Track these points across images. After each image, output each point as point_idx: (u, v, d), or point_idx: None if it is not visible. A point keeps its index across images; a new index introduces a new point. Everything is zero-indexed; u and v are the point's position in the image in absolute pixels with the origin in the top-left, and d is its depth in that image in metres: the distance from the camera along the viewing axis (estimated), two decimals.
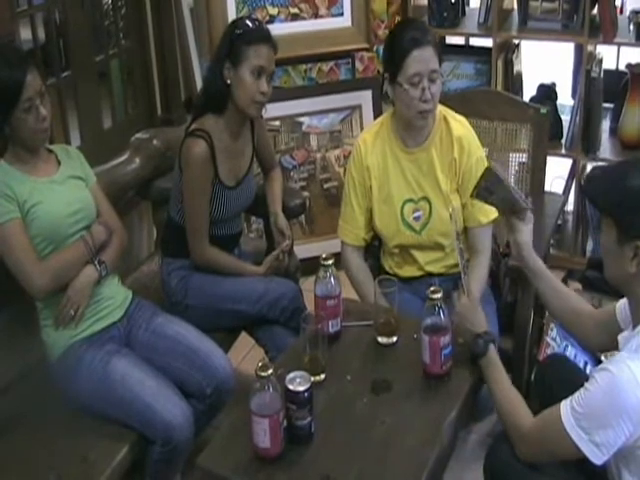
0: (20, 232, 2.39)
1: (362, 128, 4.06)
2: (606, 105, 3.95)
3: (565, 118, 4.03)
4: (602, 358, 3.04)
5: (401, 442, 2.06)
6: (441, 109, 2.79)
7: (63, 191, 2.51)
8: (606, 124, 4.04)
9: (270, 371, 1.97)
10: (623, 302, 2.17)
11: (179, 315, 2.77)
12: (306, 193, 4.00)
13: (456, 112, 2.84)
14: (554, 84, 4.02)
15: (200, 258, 2.86)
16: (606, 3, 3.65)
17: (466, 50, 4.27)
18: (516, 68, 4.05)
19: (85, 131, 4.31)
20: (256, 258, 3.06)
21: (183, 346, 2.60)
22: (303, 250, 3.66)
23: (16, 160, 2.46)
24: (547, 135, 3.33)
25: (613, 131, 3.98)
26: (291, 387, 2.02)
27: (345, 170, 4.05)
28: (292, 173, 4.06)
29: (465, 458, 2.85)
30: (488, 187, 2.35)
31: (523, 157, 3.31)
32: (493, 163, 2.41)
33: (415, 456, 2.02)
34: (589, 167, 4.05)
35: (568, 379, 2.35)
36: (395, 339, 2.42)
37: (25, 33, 3.98)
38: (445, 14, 3.96)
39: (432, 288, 2.27)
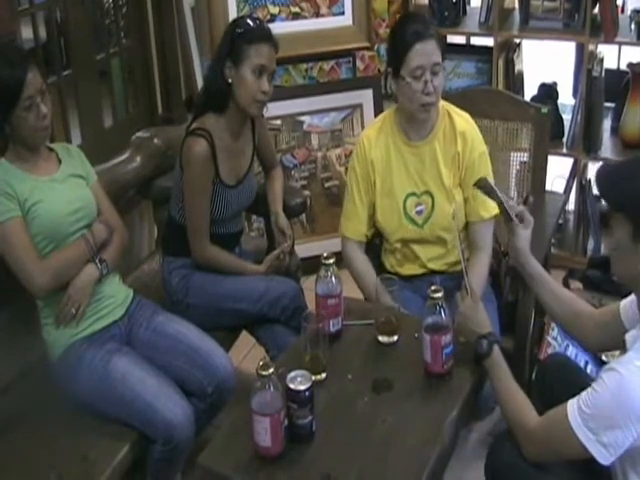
0: (21, 231, 2.39)
1: (363, 127, 4.06)
2: (607, 104, 3.95)
3: (566, 117, 4.03)
4: (603, 358, 3.04)
5: (402, 441, 2.06)
6: (444, 105, 2.81)
7: (64, 189, 2.51)
8: (607, 123, 4.04)
9: (271, 370, 1.97)
10: (627, 302, 2.16)
11: (180, 314, 2.77)
12: (307, 192, 4.00)
13: None
14: (555, 83, 4.01)
15: (201, 257, 2.86)
16: (607, 2, 3.65)
17: (467, 49, 4.27)
18: (517, 67, 4.05)
19: (86, 130, 4.32)
20: (257, 257, 3.06)
21: (184, 345, 2.60)
22: (304, 249, 3.66)
23: (17, 159, 2.46)
24: (548, 134, 3.33)
25: (614, 130, 3.98)
26: (292, 386, 2.02)
27: (346, 169, 4.09)
28: (293, 172, 4.06)
29: (466, 457, 2.85)
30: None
31: (524, 156, 3.31)
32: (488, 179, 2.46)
33: (416, 455, 2.02)
34: (590, 166, 4.05)
35: (569, 379, 2.36)
36: (396, 338, 2.42)
37: (26, 32, 3.99)
38: (446, 13, 3.96)
39: (433, 287, 2.26)
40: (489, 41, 3.99)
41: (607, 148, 3.93)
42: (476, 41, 4.38)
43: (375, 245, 2.98)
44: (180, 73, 4.80)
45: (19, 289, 2.43)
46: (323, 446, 2.06)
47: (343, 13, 4.00)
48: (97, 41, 4.51)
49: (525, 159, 3.31)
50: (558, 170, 4.03)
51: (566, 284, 3.63)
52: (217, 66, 2.76)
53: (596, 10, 3.75)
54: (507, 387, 2.15)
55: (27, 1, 4.02)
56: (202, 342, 2.62)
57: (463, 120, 2.81)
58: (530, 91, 4.09)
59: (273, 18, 3.91)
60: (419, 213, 2.80)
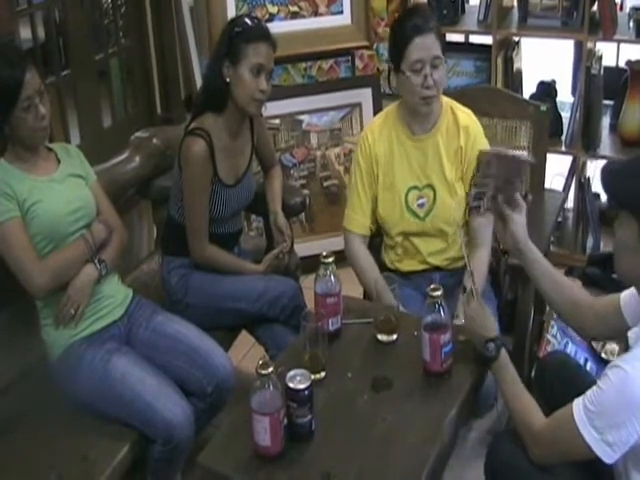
0: (20, 231, 2.39)
1: (362, 126, 4.06)
2: (606, 102, 3.95)
3: (565, 115, 4.03)
4: (603, 356, 3.05)
5: (402, 440, 2.06)
6: (448, 100, 2.83)
7: (63, 189, 2.51)
8: (606, 121, 4.04)
9: (270, 369, 1.97)
10: (628, 295, 2.15)
11: (179, 314, 2.77)
12: (306, 191, 4.00)
13: None
14: (554, 81, 4.01)
15: (200, 256, 2.86)
16: (606, 0, 3.65)
17: (466, 47, 4.27)
18: (516, 65, 4.05)
19: (85, 130, 4.32)
20: (256, 256, 3.06)
21: (183, 345, 2.60)
22: (303, 248, 3.66)
23: (16, 159, 2.46)
24: (547, 132, 3.34)
25: (613, 128, 3.98)
26: (291, 385, 2.02)
27: (345, 168, 4.09)
28: (292, 171, 4.06)
29: (465, 456, 2.85)
30: (485, 172, 2.33)
31: (523, 154, 3.31)
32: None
33: (416, 454, 2.02)
34: (589, 164, 4.05)
35: (568, 376, 2.36)
36: (395, 337, 2.42)
37: (25, 32, 3.99)
38: (445, 11, 3.96)
39: (432, 286, 2.26)
40: (488, 39, 3.99)
41: (606, 146, 3.93)
42: (475, 39, 4.37)
43: (375, 243, 2.98)
44: (179, 73, 4.80)
45: (19, 290, 2.43)
46: (323, 445, 2.06)
47: (342, 12, 4.00)
48: (96, 41, 4.51)
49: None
50: (557, 168, 4.03)
51: None
52: (215, 65, 2.76)
53: (595, 8, 3.75)
54: (514, 390, 2.14)
55: (26, 1, 4.02)
56: (201, 342, 2.62)
57: (466, 115, 2.82)
58: (529, 89, 4.09)
59: (272, 17, 3.91)
60: (421, 206, 2.80)
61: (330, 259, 2.41)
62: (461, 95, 2.99)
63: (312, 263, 2.65)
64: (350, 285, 2.78)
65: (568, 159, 4.05)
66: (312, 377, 2.06)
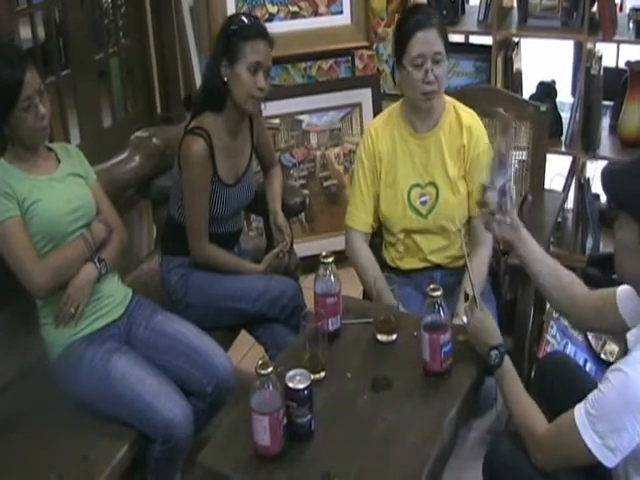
0: (20, 230, 2.39)
1: (362, 126, 4.07)
2: (606, 103, 3.94)
3: (565, 115, 4.03)
4: (602, 356, 3.05)
5: (401, 440, 2.06)
6: (451, 100, 2.84)
7: (63, 189, 2.51)
8: (606, 121, 4.04)
9: (270, 369, 1.97)
10: (625, 291, 2.14)
11: (179, 313, 2.77)
12: (306, 191, 4.00)
13: None
14: (554, 82, 4.01)
15: (200, 256, 2.86)
16: (606, 1, 3.65)
17: (466, 48, 4.27)
18: (516, 66, 4.05)
19: (85, 129, 4.31)
20: (256, 256, 3.06)
21: (183, 344, 2.60)
22: (303, 248, 3.66)
23: (16, 159, 2.46)
24: (547, 133, 3.34)
25: (613, 128, 3.98)
26: (291, 385, 2.02)
27: (345, 168, 4.09)
28: (292, 171, 4.07)
29: (465, 456, 2.84)
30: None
31: (523, 155, 3.32)
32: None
33: (416, 453, 2.02)
34: (589, 165, 4.05)
35: (568, 377, 2.36)
36: (395, 337, 2.42)
37: (25, 32, 3.98)
38: (445, 12, 3.96)
39: (432, 286, 2.27)
40: (488, 40, 3.99)
41: (606, 146, 3.93)
42: (475, 40, 4.37)
43: (375, 243, 2.98)
44: (179, 73, 4.79)
45: (19, 289, 2.43)
46: (322, 445, 2.06)
47: (342, 12, 4.00)
48: (96, 41, 4.50)
49: (524, 157, 3.31)
50: (557, 168, 4.03)
51: None
52: (213, 65, 2.77)
53: (594, 8, 3.75)
54: (517, 396, 2.13)
55: (25, 1, 4.02)
56: (201, 341, 2.62)
57: (469, 115, 2.84)
58: (529, 89, 4.08)
59: (272, 17, 3.91)
60: (423, 203, 2.81)
61: (330, 259, 2.41)
62: (461, 95, 2.99)
63: (312, 263, 2.65)
64: (350, 285, 2.78)
65: (568, 159, 4.05)
66: (312, 377, 2.06)
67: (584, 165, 4.02)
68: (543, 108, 3.26)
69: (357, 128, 4.09)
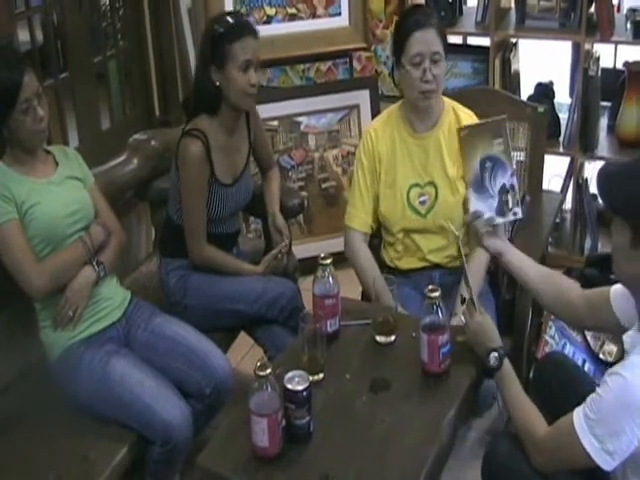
0: (18, 233, 2.39)
1: (360, 128, 4.07)
2: (604, 103, 3.95)
3: (563, 116, 4.03)
4: (601, 356, 3.05)
5: (400, 441, 2.06)
6: (450, 101, 2.86)
7: (61, 192, 2.52)
8: (604, 122, 4.04)
9: (269, 370, 1.98)
10: (619, 290, 2.15)
11: (178, 315, 2.77)
12: (304, 193, 4.00)
13: None
14: (552, 82, 4.02)
15: (198, 257, 2.86)
16: (603, 1, 3.66)
17: (464, 49, 4.27)
18: (514, 67, 4.05)
19: (83, 132, 4.31)
20: (254, 258, 3.06)
21: (182, 346, 2.60)
22: (301, 250, 3.66)
23: (14, 161, 2.46)
24: (545, 133, 3.34)
25: (611, 129, 3.98)
26: (290, 386, 2.02)
27: (343, 170, 4.10)
28: (290, 173, 4.07)
29: (464, 457, 2.85)
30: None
31: (521, 155, 3.32)
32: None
33: (414, 454, 2.02)
34: (587, 165, 4.05)
35: (566, 377, 2.36)
36: (393, 338, 2.42)
37: (23, 35, 3.98)
38: (443, 13, 3.96)
39: (430, 287, 2.27)
40: (485, 41, 3.99)
41: (603, 147, 3.93)
42: (472, 41, 4.38)
43: (374, 244, 2.99)
44: (177, 75, 4.79)
45: (17, 292, 2.43)
46: (321, 446, 2.06)
47: (340, 14, 4.00)
48: (94, 43, 4.49)
49: (522, 158, 3.32)
50: (555, 169, 4.03)
51: None
52: (202, 71, 2.78)
53: (592, 9, 3.75)
54: (516, 398, 2.14)
55: (24, 4, 4.01)
56: (200, 343, 2.63)
57: (468, 116, 2.85)
58: (527, 90, 4.09)
59: (270, 19, 3.91)
60: (422, 203, 2.82)
61: (328, 261, 2.41)
62: (459, 97, 2.99)
63: (310, 265, 2.65)
64: (348, 286, 2.78)
65: (566, 160, 4.06)
66: (310, 378, 2.06)
67: (582, 166, 4.03)
68: (541, 109, 3.26)
69: (355, 130, 4.10)
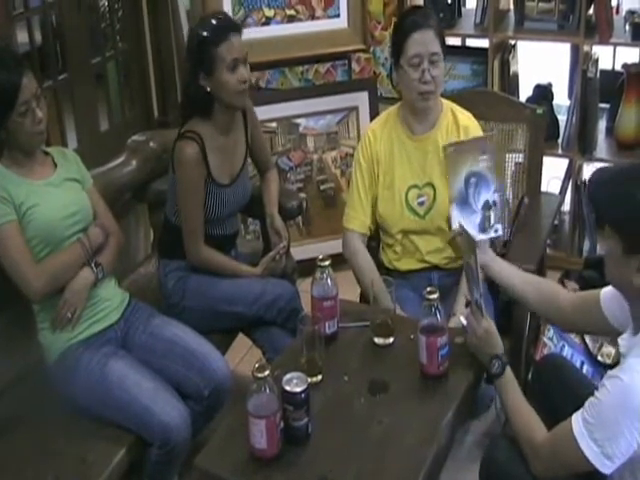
0: (16, 234, 2.39)
1: (359, 129, 4.07)
2: (602, 105, 3.96)
3: (561, 118, 4.03)
4: (599, 359, 3.05)
5: (398, 442, 2.06)
6: (448, 103, 2.86)
7: (59, 193, 2.52)
8: (602, 124, 4.05)
9: (267, 372, 1.98)
10: (609, 292, 2.15)
11: (176, 317, 2.77)
12: (303, 194, 4.00)
13: None
14: (550, 84, 4.02)
15: (196, 258, 2.86)
16: (602, 3, 3.66)
17: (462, 51, 4.27)
18: (512, 68, 4.05)
19: (82, 133, 4.32)
20: (253, 259, 3.06)
21: (180, 348, 2.60)
22: (300, 251, 3.66)
23: (12, 163, 2.46)
24: (543, 135, 3.34)
25: (609, 131, 3.99)
26: (288, 388, 2.02)
27: (342, 172, 4.10)
28: (289, 174, 4.07)
29: (461, 459, 2.84)
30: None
31: (519, 157, 3.32)
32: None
33: (413, 456, 2.02)
34: (586, 167, 4.06)
35: (564, 379, 2.36)
36: (392, 340, 2.42)
37: (22, 36, 3.99)
38: (441, 15, 3.96)
39: (429, 289, 2.27)
40: (484, 42, 3.99)
41: (602, 149, 3.94)
42: (471, 43, 4.38)
43: (372, 246, 2.99)
44: (176, 76, 4.80)
45: (16, 293, 2.43)
46: (319, 448, 2.06)
47: (338, 15, 4.00)
48: (93, 45, 4.51)
49: (520, 160, 3.32)
50: (553, 171, 4.03)
51: (562, 285, 3.63)
52: (191, 79, 2.77)
53: (591, 11, 3.76)
54: (517, 405, 2.13)
55: (22, 5, 4.02)
56: (198, 345, 2.62)
57: (466, 117, 2.85)
58: (525, 92, 4.09)
59: (268, 21, 3.91)
60: (421, 204, 2.82)
61: (327, 262, 2.41)
62: (458, 98, 3.00)
63: (309, 266, 2.65)
64: (347, 288, 2.78)
65: (564, 162, 4.06)
66: (309, 380, 2.07)
67: (581, 168, 4.03)
68: (540, 111, 3.26)
69: (354, 131, 4.10)
